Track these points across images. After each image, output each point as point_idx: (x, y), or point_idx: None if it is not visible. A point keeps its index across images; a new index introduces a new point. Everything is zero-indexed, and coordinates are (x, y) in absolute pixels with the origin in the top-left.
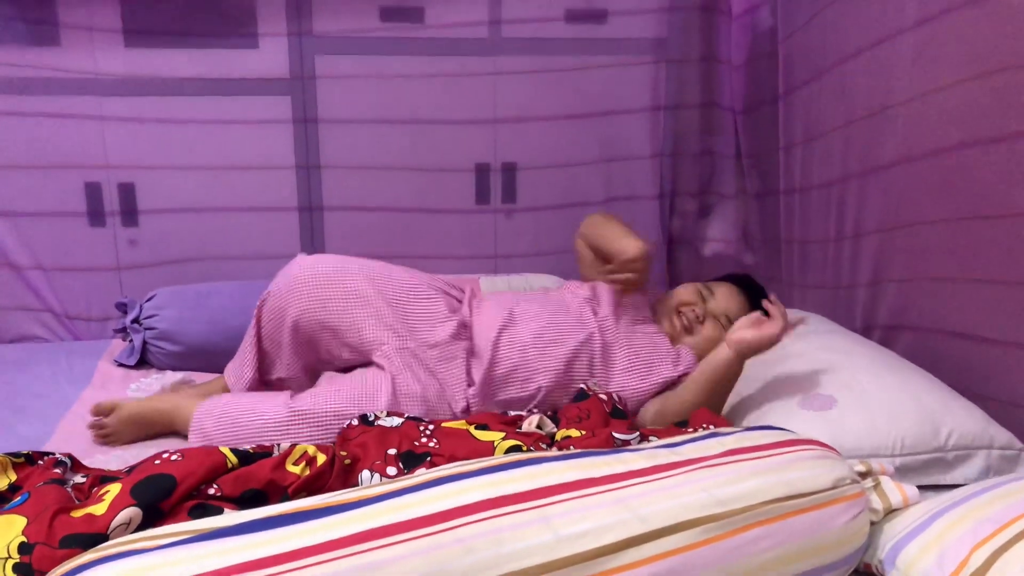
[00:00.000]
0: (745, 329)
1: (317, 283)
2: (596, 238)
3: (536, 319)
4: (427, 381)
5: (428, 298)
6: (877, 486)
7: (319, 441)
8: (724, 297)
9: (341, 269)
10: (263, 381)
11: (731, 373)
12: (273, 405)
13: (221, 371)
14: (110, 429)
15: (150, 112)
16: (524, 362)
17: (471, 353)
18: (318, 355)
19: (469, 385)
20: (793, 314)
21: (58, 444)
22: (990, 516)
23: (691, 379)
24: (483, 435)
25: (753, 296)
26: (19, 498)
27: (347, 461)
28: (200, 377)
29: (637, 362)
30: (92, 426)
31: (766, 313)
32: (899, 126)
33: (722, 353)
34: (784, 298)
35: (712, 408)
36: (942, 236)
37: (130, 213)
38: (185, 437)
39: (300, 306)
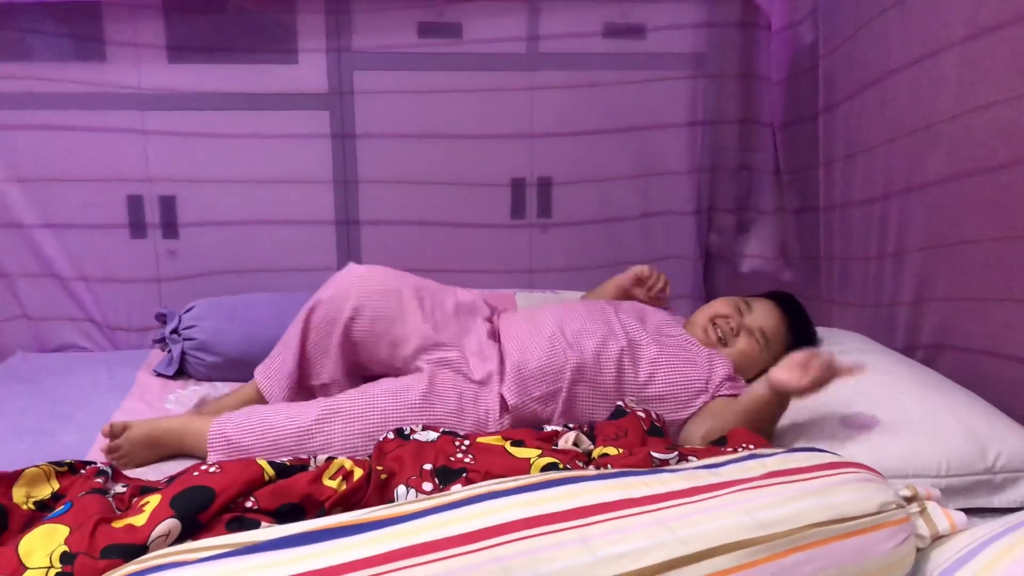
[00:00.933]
0: (787, 370)
1: (370, 292)
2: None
3: (565, 317)
4: (464, 385)
5: (469, 312)
6: (923, 511)
7: (351, 442)
8: (762, 313)
9: (392, 278)
10: (301, 387)
11: (771, 411)
12: (301, 406)
13: None
14: (123, 452)
15: (191, 126)
16: (553, 354)
17: (502, 354)
18: (362, 362)
19: (501, 382)
20: (849, 357)
21: (99, 453)
22: None
23: (732, 408)
24: (519, 452)
25: (793, 315)
26: (62, 507)
27: (383, 476)
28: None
29: (668, 358)
30: (105, 448)
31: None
32: (944, 143)
33: (760, 390)
34: (823, 316)
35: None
36: (987, 255)
37: (171, 225)
38: (196, 458)
39: (352, 313)
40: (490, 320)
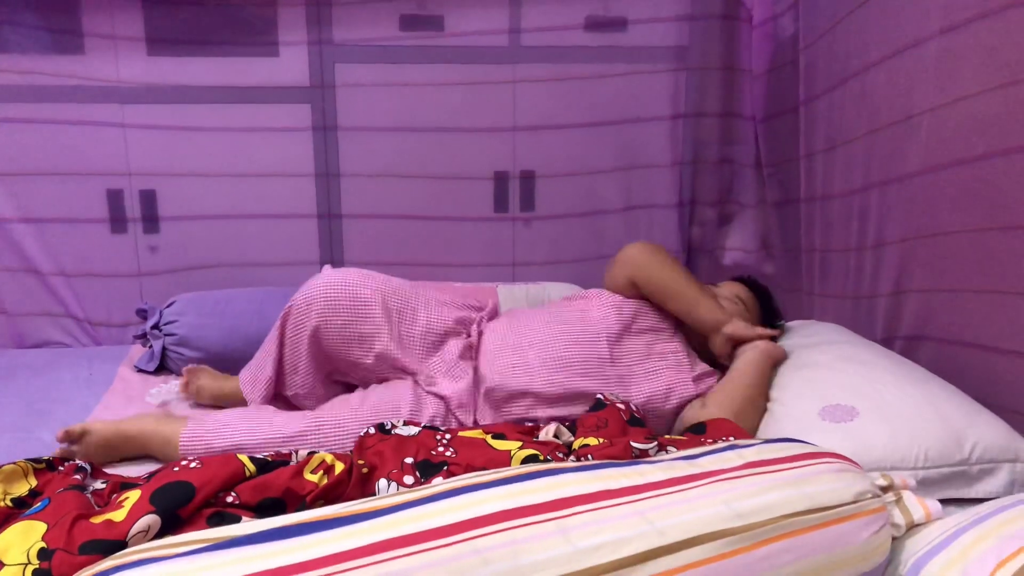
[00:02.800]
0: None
1: (338, 299)
2: (674, 302)
3: (548, 339)
4: (435, 402)
5: (441, 321)
6: (899, 500)
7: (333, 448)
8: (728, 287)
9: (361, 286)
10: (278, 395)
11: (764, 368)
12: (275, 421)
13: None
14: (80, 455)
15: (171, 120)
16: (529, 386)
17: (477, 373)
18: (336, 370)
19: (475, 404)
20: (829, 349)
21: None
22: (1015, 533)
23: (732, 379)
24: (500, 444)
25: (755, 288)
26: (39, 504)
27: (364, 470)
28: None
29: (650, 375)
30: (57, 453)
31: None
32: (922, 135)
33: (752, 352)
34: (804, 308)
35: (753, 412)
36: (965, 247)
37: (151, 220)
38: (159, 460)
39: (320, 320)
40: (468, 335)
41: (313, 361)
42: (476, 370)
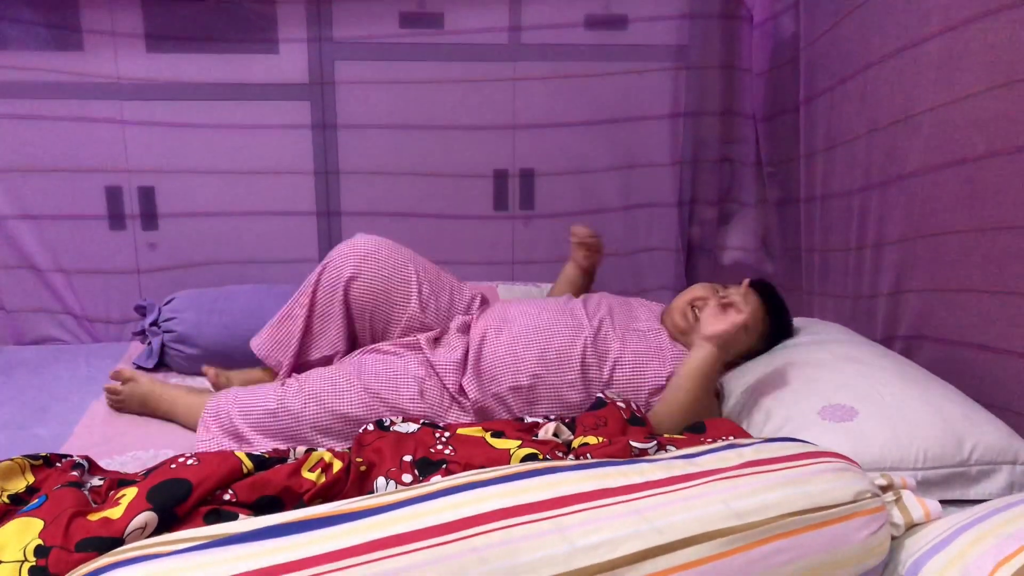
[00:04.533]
0: (715, 322)
1: (376, 252)
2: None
3: (528, 316)
4: (426, 371)
5: (462, 296)
6: (898, 500)
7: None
8: (737, 293)
9: (397, 253)
10: (299, 364)
11: (714, 369)
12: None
13: None
14: (122, 397)
15: (170, 116)
16: (514, 352)
17: (468, 348)
18: (363, 330)
19: (463, 374)
20: (827, 349)
21: (76, 446)
22: (1014, 533)
23: (674, 382)
24: (499, 443)
25: (769, 300)
26: (36, 500)
27: (362, 467)
28: None
29: (631, 353)
30: (107, 389)
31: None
32: (923, 134)
33: (702, 351)
34: (804, 307)
35: (703, 410)
36: (966, 246)
37: (150, 217)
38: (185, 427)
39: (358, 267)
40: (469, 313)
41: (343, 312)
42: (468, 345)
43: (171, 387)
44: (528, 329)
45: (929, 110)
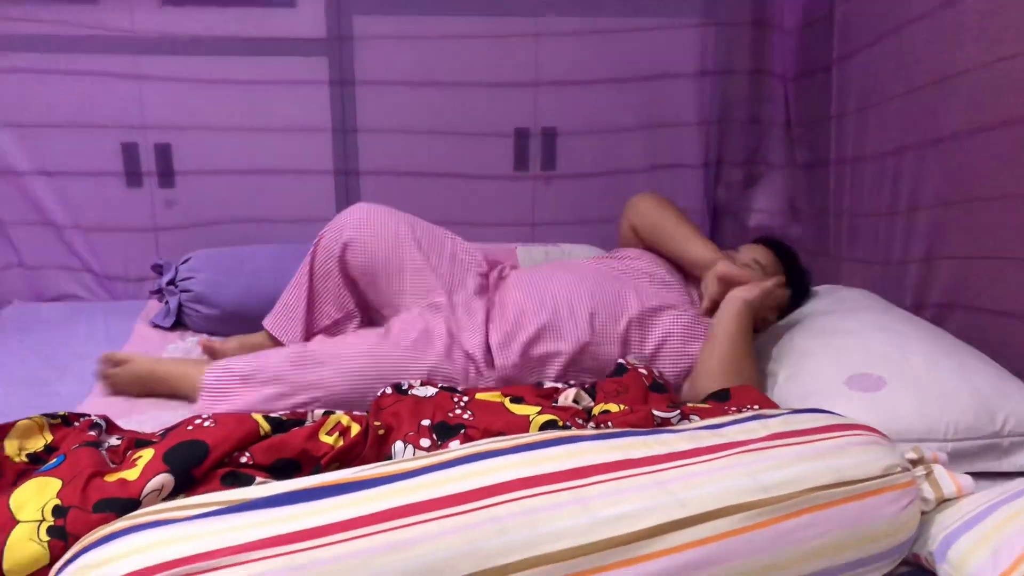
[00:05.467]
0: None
1: (370, 222)
2: (666, 241)
3: (573, 283)
4: (448, 336)
5: (467, 252)
6: (929, 475)
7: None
8: (747, 251)
9: (390, 217)
10: (310, 334)
11: (748, 318)
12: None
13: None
14: (117, 380)
15: (186, 72)
16: (555, 321)
17: (489, 312)
18: (365, 299)
19: (487, 341)
20: (855, 317)
21: (94, 405)
22: None
23: (710, 340)
24: (518, 408)
25: (780, 250)
26: (55, 460)
27: (381, 431)
28: None
29: (678, 335)
30: (100, 374)
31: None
32: (963, 95)
33: (732, 306)
34: (831, 273)
35: (745, 365)
36: (1004, 213)
37: (167, 174)
38: (189, 401)
39: (352, 237)
40: (485, 276)
41: (344, 284)
42: (490, 309)
43: (166, 363)
44: (571, 300)
45: (970, 70)
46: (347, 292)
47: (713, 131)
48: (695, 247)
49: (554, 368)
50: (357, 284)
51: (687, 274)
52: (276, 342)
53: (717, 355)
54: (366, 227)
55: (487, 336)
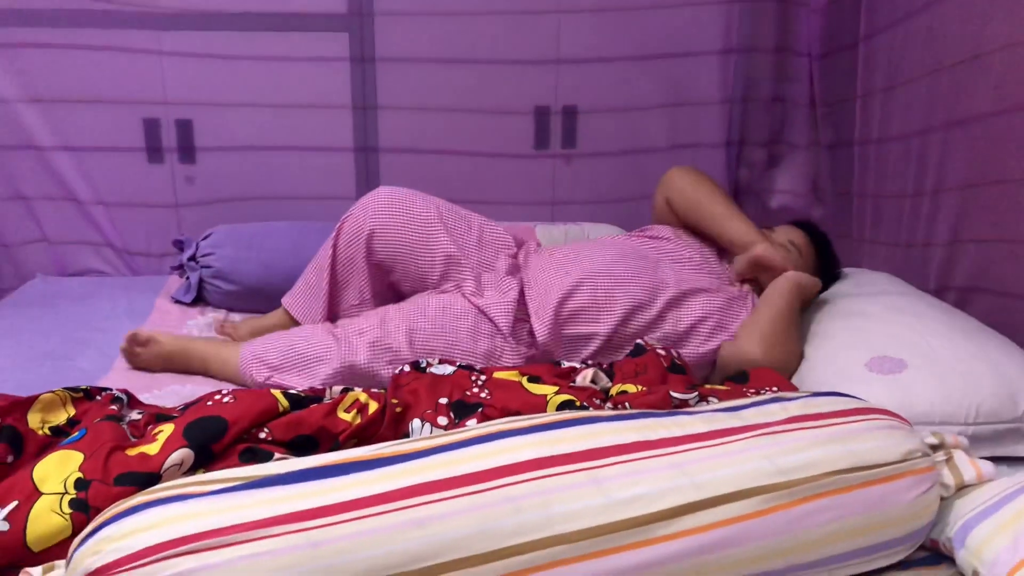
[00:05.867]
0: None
1: (395, 206)
2: (705, 219)
3: (611, 259)
4: (476, 314)
5: (492, 231)
6: (949, 460)
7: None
8: (784, 231)
9: (417, 199)
10: (331, 316)
11: (796, 296)
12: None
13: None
14: (141, 360)
15: (208, 48)
16: (595, 298)
17: (524, 291)
18: (387, 283)
19: (524, 320)
20: (878, 300)
21: (115, 379)
22: None
23: (755, 312)
24: (536, 388)
25: (813, 233)
26: (77, 433)
27: (398, 409)
28: None
29: (714, 312)
30: (125, 352)
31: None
32: (992, 75)
33: (783, 282)
34: (853, 255)
35: (790, 338)
36: None
37: (187, 150)
38: (216, 379)
39: (377, 223)
40: (514, 256)
41: (368, 270)
42: (524, 287)
43: (200, 343)
44: (612, 275)
45: (1000, 48)
46: (367, 281)
47: (736, 110)
48: (735, 226)
49: (589, 350)
50: (383, 268)
51: (721, 251)
52: (293, 321)
53: (767, 318)
54: (391, 213)
55: (523, 314)
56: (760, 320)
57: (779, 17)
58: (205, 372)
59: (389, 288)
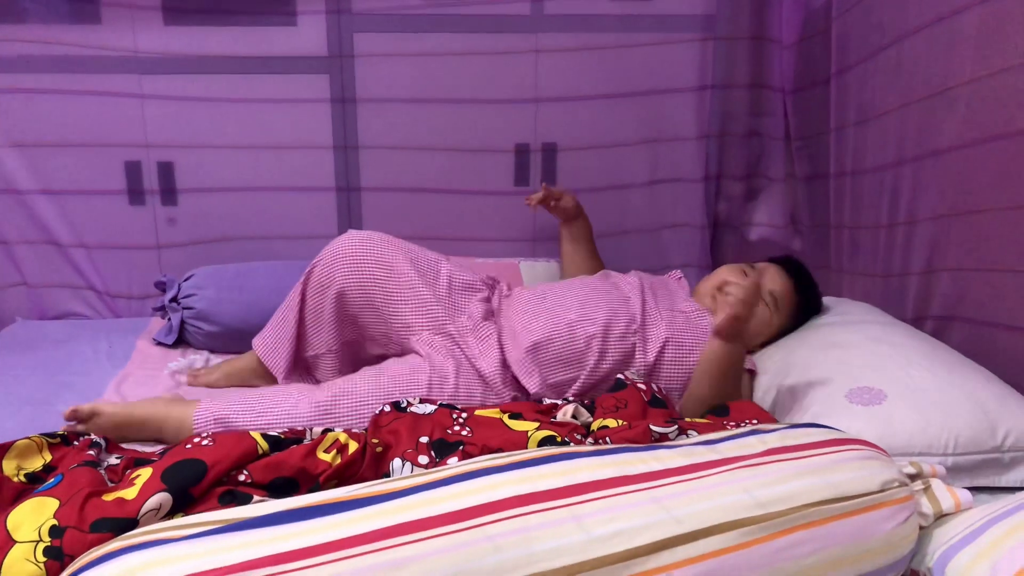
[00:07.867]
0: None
1: (365, 256)
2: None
3: (580, 298)
4: (467, 367)
5: (461, 276)
6: (928, 489)
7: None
8: (769, 277)
9: (388, 245)
10: (297, 360)
11: (731, 361)
12: (296, 391)
13: None
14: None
15: (189, 90)
16: (573, 338)
17: (502, 337)
18: (358, 332)
19: (504, 364)
20: (857, 330)
21: None
22: None
23: (696, 374)
24: (517, 424)
25: (800, 280)
26: (53, 480)
27: (379, 449)
28: None
29: (676, 336)
30: (67, 431)
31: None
32: (961, 108)
33: (712, 346)
34: (832, 285)
35: (730, 398)
36: (1003, 225)
37: (169, 192)
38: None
39: (347, 277)
40: (488, 300)
41: (336, 323)
42: (501, 334)
43: (146, 406)
44: (582, 315)
45: (967, 82)
46: (335, 332)
47: (713, 145)
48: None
49: (571, 390)
50: (354, 322)
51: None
52: (262, 364)
53: (701, 396)
54: (360, 267)
55: (503, 359)
56: (694, 402)
57: (753, 54)
58: (159, 436)
59: (359, 336)
